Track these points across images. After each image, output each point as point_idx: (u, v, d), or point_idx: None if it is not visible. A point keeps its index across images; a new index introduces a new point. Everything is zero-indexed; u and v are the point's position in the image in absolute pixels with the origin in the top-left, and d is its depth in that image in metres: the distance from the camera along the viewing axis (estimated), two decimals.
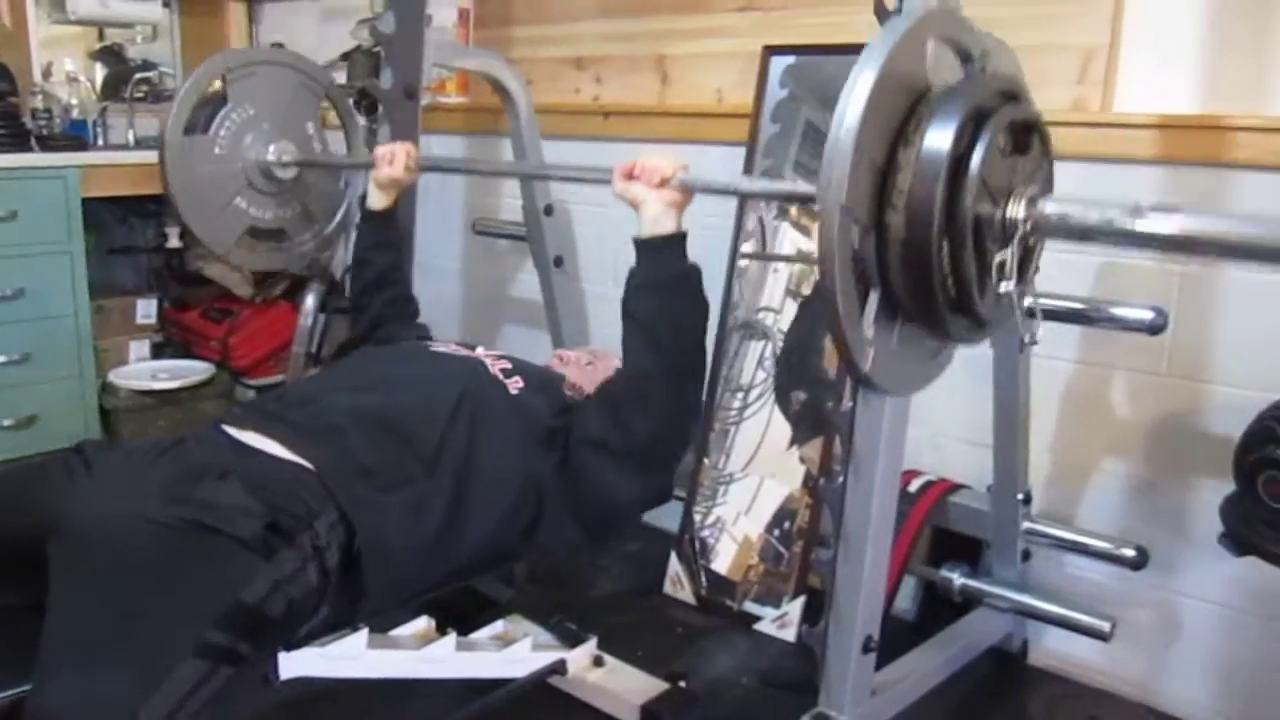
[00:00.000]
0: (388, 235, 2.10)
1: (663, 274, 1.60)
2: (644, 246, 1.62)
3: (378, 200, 2.08)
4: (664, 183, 1.60)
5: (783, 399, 2.35)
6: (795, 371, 2.35)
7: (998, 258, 1.27)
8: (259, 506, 1.35)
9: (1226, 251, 1.20)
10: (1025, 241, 1.28)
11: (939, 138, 1.21)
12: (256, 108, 2.38)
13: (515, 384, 1.70)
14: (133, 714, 1.18)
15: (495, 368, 1.73)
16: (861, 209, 1.21)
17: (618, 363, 1.97)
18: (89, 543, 1.30)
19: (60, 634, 1.22)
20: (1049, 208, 1.27)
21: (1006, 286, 1.27)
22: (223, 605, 1.28)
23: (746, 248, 2.44)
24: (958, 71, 1.37)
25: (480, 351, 1.80)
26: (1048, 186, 1.37)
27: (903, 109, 1.25)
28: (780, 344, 2.37)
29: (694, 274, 1.62)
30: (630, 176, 1.63)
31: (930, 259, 1.22)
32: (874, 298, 1.27)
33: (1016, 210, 1.27)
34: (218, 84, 2.34)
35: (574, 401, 1.78)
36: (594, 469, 1.62)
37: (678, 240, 1.61)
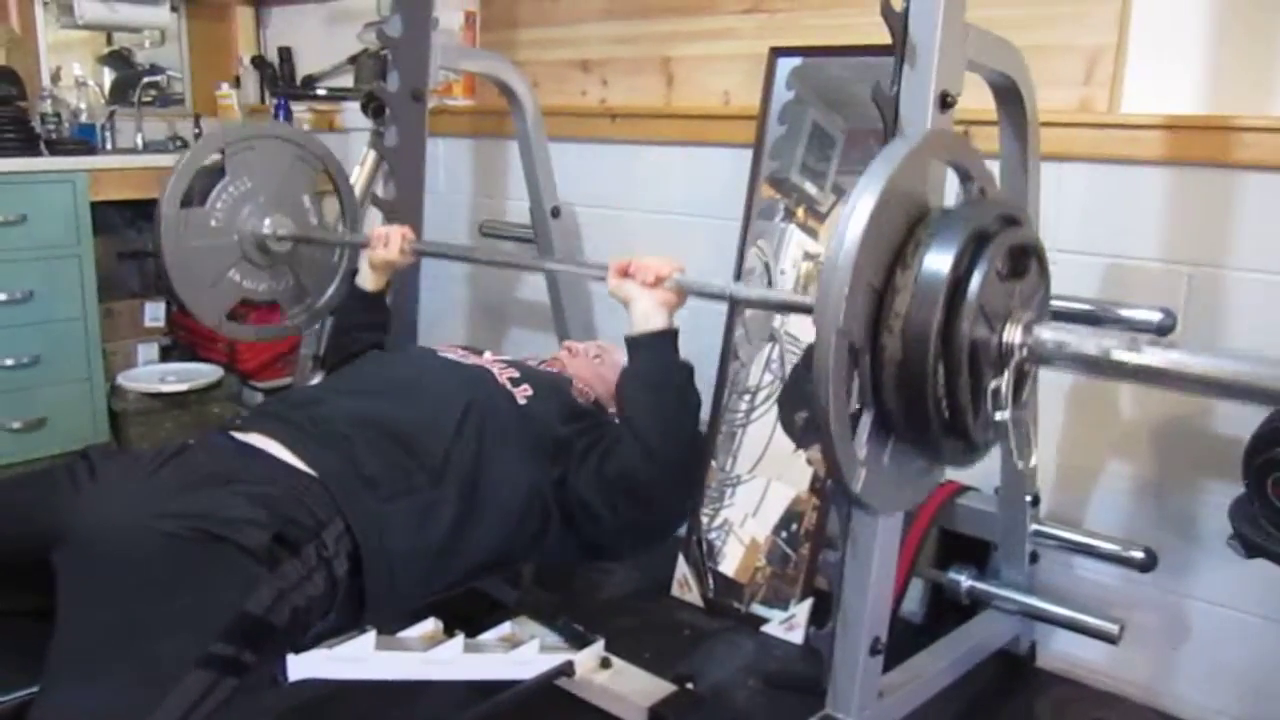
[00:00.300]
0: (375, 317, 2.10)
1: (653, 372, 1.62)
2: (634, 344, 1.63)
3: (369, 281, 2.07)
4: (658, 282, 1.60)
5: (787, 420, 2.35)
6: (796, 398, 2.36)
7: (992, 384, 1.26)
8: (266, 517, 1.35)
9: (1220, 391, 1.18)
10: (1020, 367, 1.28)
11: (938, 262, 1.21)
12: (254, 181, 2.39)
13: (523, 392, 1.70)
14: None
15: (503, 376, 1.73)
16: (857, 332, 1.21)
17: (622, 357, 1.98)
18: (95, 551, 1.30)
19: (67, 642, 1.22)
20: (1045, 334, 1.27)
21: (1002, 415, 1.26)
22: (228, 616, 1.28)
23: (752, 254, 2.44)
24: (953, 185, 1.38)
25: (488, 358, 1.80)
26: (1044, 310, 1.37)
27: (902, 230, 1.24)
28: (787, 346, 2.37)
29: (684, 371, 1.64)
30: (625, 274, 1.63)
31: (925, 383, 1.22)
32: (867, 418, 1.27)
33: (1013, 336, 1.26)
34: (216, 157, 2.35)
35: (584, 406, 1.78)
36: (587, 529, 1.68)
37: (669, 337, 1.63)
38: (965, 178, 1.39)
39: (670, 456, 1.61)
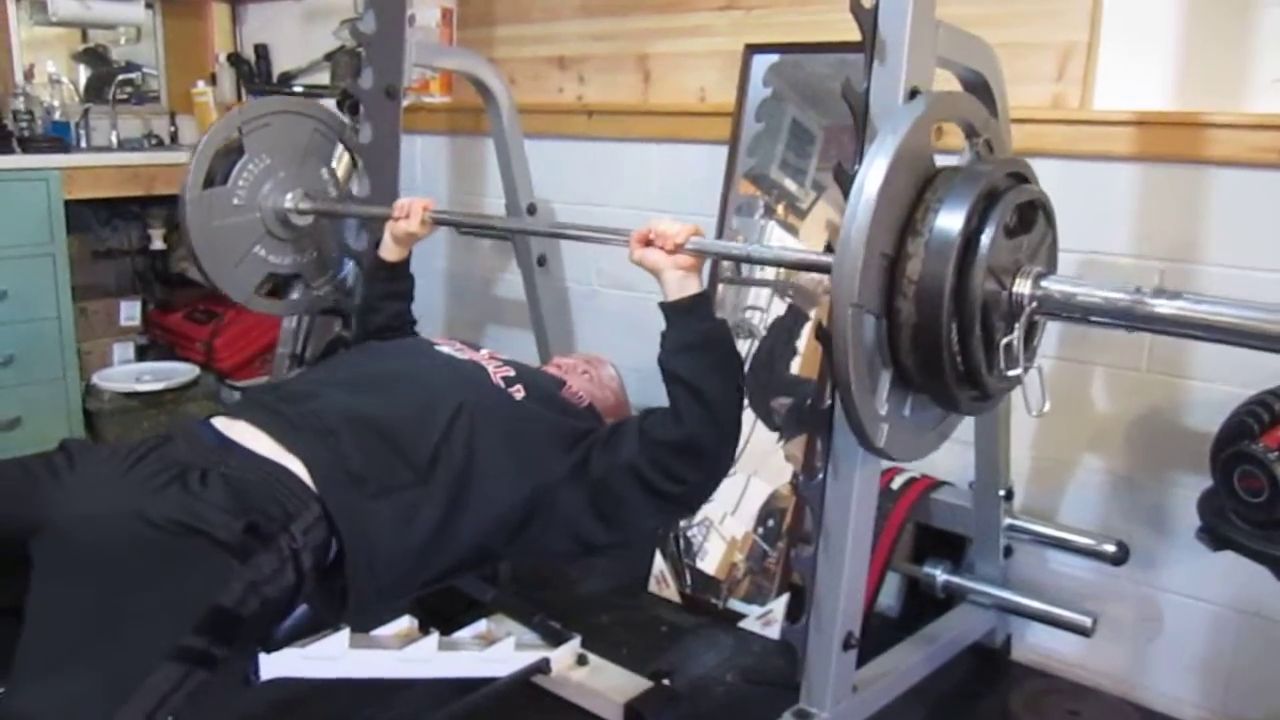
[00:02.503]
0: (399, 286, 2.09)
1: (697, 334, 1.62)
2: (673, 310, 1.64)
3: (391, 252, 2.07)
4: (677, 248, 1.62)
5: (762, 409, 2.36)
6: (767, 382, 2.36)
7: (1004, 340, 1.31)
8: (238, 508, 1.35)
9: (1225, 336, 1.23)
10: (1030, 319, 1.33)
11: (947, 226, 1.25)
12: (273, 157, 2.40)
13: (517, 392, 1.70)
14: (108, 718, 1.17)
15: (497, 375, 1.72)
16: (872, 300, 1.25)
17: (611, 370, 1.98)
18: (70, 542, 1.29)
19: (38, 634, 1.22)
20: (1054, 287, 1.32)
21: (1014, 371, 1.32)
22: (199, 609, 1.28)
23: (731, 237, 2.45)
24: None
25: (484, 354, 1.80)
26: (1052, 261, 1.42)
27: (911, 196, 1.29)
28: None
29: (726, 330, 1.66)
30: (646, 242, 1.64)
31: (940, 342, 1.27)
32: (886, 377, 1.32)
33: (1023, 288, 1.32)
34: (234, 135, 2.36)
35: (578, 408, 1.79)
36: (629, 498, 1.63)
37: (705, 300, 1.65)
38: (971, 133, 1.41)
39: (727, 411, 1.62)
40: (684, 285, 1.63)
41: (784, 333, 2.37)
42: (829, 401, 1.55)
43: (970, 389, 1.35)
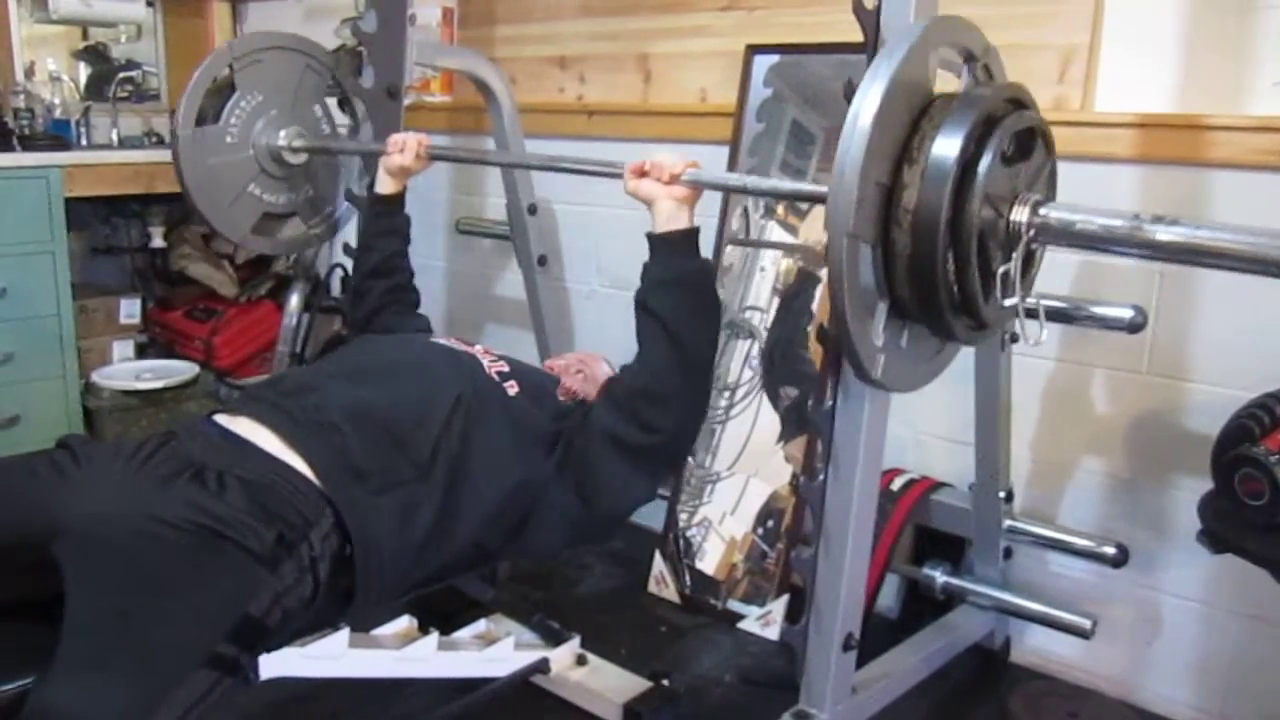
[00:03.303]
0: (394, 222, 2.09)
1: (681, 270, 1.61)
2: (660, 242, 1.62)
3: (386, 186, 2.08)
4: (674, 180, 1.60)
5: (772, 394, 2.36)
6: (780, 367, 2.35)
7: (1001, 269, 1.29)
8: (264, 516, 1.34)
9: (1225, 261, 1.21)
10: (1028, 247, 1.30)
11: (945, 150, 1.23)
12: (265, 94, 2.40)
13: (511, 387, 1.70)
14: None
15: (492, 369, 1.72)
16: (868, 230, 1.24)
17: (607, 367, 1.97)
18: (93, 543, 1.28)
19: (72, 633, 1.21)
20: (1052, 214, 1.29)
21: (1011, 301, 1.30)
22: (232, 617, 1.28)
23: (731, 249, 2.45)
24: (958, 68, 1.38)
25: (478, 350, 1.79)
26: (1051, 189, 1.40)
27: (907, 124, 1.27)
28: (764, 339, 2.38)
29: (709, 270, 1.65)
30: (641, 174, 1.64)
31: (936, 271, 1.25)
32: (882, 308, 1.31)
33: (1020, 216, 1.29)
34: (225, 73, 2.36)
35: (568, 406, 1.78)
36: (608, 467, 1.62)
37: (693, 236, 1.63)
38: (969, 58, 1.39)
39: (699, 353, 1.60)
40: (675, 218, 1.62)
41: (796, 303, 2.35)
42: (830, 402, 1.55)
43: (967, 318, 1.34)
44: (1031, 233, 1.29)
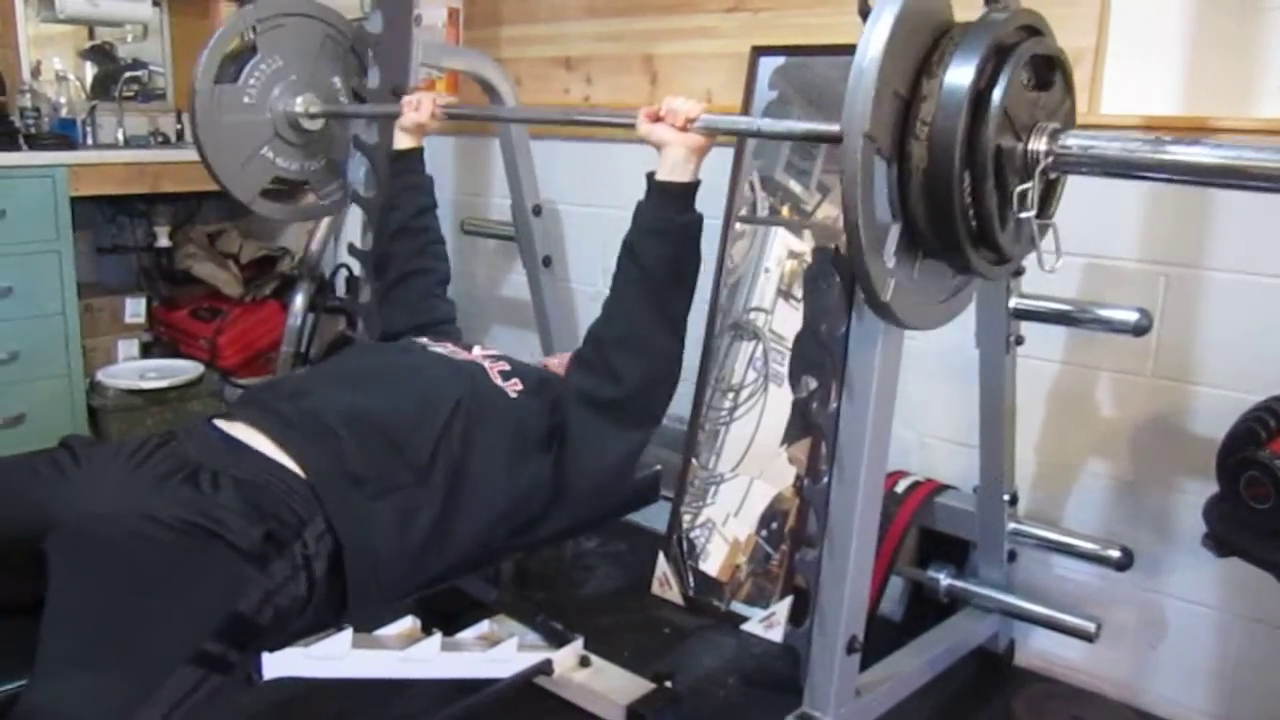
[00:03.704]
0: (415, 177, 2.10)
1: (674, 221, 1.61)
2: (660, 189, 1.62)
3: (404, 142, 2.10)
4: (688, 124, 1.60)
5: (795, 381, 2.35)
6: (806, 355, 2.34)
7: (1019, 188, 1.29)
8: (255, 514, 1.34)
9: (1248, 180, 1.19)
10: (1046, 175, 1.30)
11: (963, 69, 1.23)
12: (285, 59, 2.42)
13: (514, 387, 1.70)
14: (125, 718, 1.17)
15: (494, 370, 1.72)
16: (884, 138, 1.23)
17: None
18: (85, 540, 1.28)
19: (57, 632, 1.21)
20: (1071, 141, 1.29)
21: (1027, 214, 1.29)
22: (220, 614, 1.28)
23: (736, 251, 2.45)
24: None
25: (477, 353, 1.79)
26: (1070, 123, 1.38)
27: (926, 43, 1.27)
28: (771, 344, 2.38)
29: (700, 224, 1.64)
30: (656, 119, 1.64)
31: (952, 189, 1.24)
32: (895, 230, 1.29)
33: (1039, 144, 1.29)
34: (248, 35, 2.39)
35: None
36: (581, 427, 1.62)
37: (692, 190, 1.63)
38: None
39: (676, 305, 1.61)
40: (682, 167, 1.61)
41: (815, 283, 2.34)
42: (835, 404, 1.55)
43: (984, 248, 1.33)
44: (1050, 159, 1.29)
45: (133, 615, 1.23)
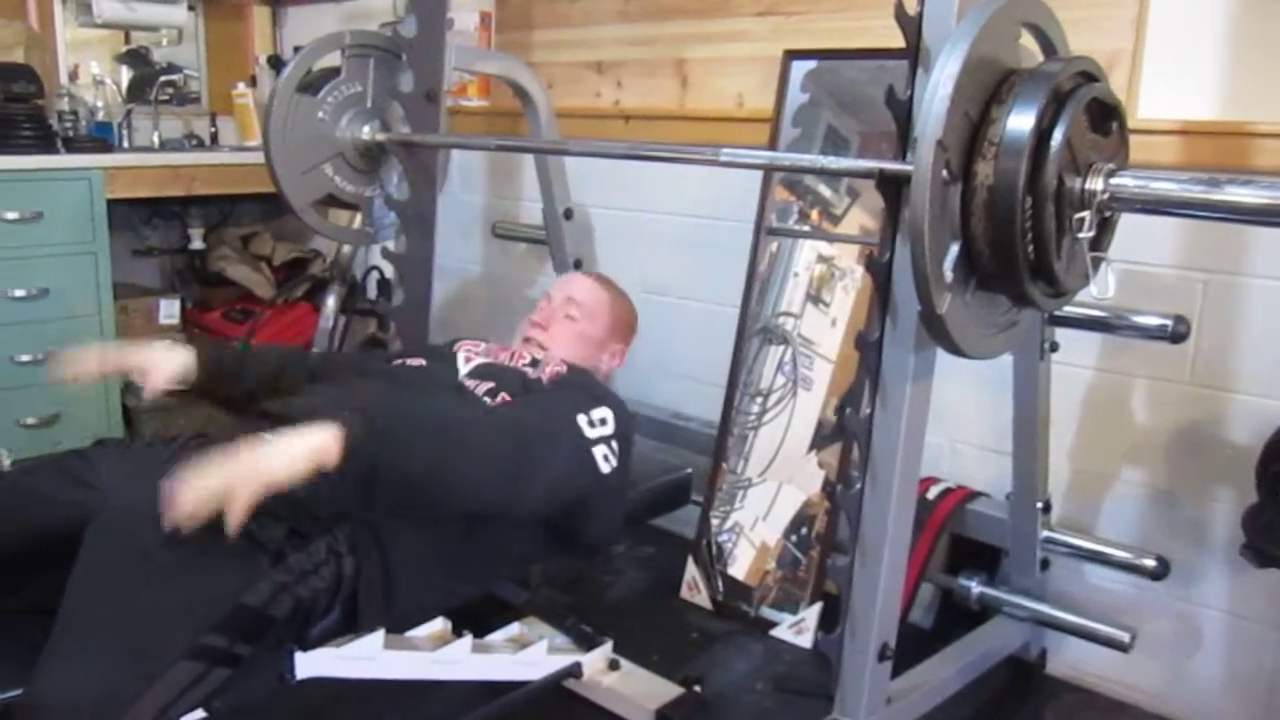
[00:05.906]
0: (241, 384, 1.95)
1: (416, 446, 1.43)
2: (349, 462, 1.34)
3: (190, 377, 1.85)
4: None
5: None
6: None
7: (1077, 215, 1.33)
8: (283, 509, 1.35)
9: None
10: (1102, 212, 1.35)
11: (1029, 106, 1.28)
12: (364, 87, 2.49)
13: (502, 402, 1.72)
14: (122, 710, 1.19)
15: (480, 391, 1.73)
16: (954, 151, 1.27)
17: (588, 292, 2.12)
18: (109, 534, 1.30)
19: (69, 622, 1.24)
20: (1128, 180, 1.34)
21: (1085, 235, 1.33)
22: (222, 608, 1.30)
23: (765, 256, 2.44)
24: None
25: (462, 375, 1.81)
26: (1124, 166, 1.42)
27: (996, 77, 1.33)
28: (799, 348, 2.37)
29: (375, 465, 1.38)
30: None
31: (1014, 208, 1.27)
32: (955, 248, 1.32)
33: (1095, 183, 1.34)
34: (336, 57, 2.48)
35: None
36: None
37: (353, 455, 1.34)
38: (1049, 50, 1.46)
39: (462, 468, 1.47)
40: (320, 450, 1.30)
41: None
42: (868, 409, 1.54)
43: (1039, 279, 1.36)
44: (1106, 195, 1.33)
45: (138, 606, 1.26)
